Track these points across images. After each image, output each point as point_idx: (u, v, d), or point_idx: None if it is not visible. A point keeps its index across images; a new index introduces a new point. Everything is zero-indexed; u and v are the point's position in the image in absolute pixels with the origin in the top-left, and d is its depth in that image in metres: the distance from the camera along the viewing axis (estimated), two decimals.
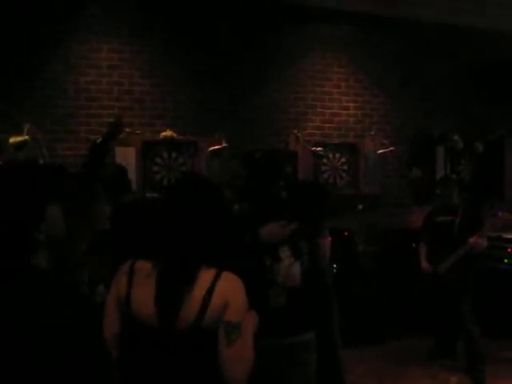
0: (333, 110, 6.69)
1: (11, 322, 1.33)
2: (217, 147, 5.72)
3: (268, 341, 2.96)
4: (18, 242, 1.43)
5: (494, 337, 5.78)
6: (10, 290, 1.38)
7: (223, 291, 1.92)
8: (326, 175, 6.53)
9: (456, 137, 7.04)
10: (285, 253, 3.00)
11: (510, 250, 6.33)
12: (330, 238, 3.87)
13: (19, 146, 5.12)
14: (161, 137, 5.70)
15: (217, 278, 1.95)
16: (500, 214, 4.91)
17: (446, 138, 7.07)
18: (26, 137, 5.15)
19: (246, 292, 1.97)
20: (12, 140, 5.11)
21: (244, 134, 6.02)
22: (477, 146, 7.34)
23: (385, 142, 6.77)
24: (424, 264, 5.42)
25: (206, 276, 1.95)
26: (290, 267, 2.99)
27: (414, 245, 5.90)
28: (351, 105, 6.79)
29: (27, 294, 1.38)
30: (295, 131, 6.30)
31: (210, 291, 1.92)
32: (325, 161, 6.51)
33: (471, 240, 4.93)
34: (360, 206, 6.61)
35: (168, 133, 5.70)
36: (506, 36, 7.35)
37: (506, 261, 6.32)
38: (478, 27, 7.18)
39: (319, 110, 6.62)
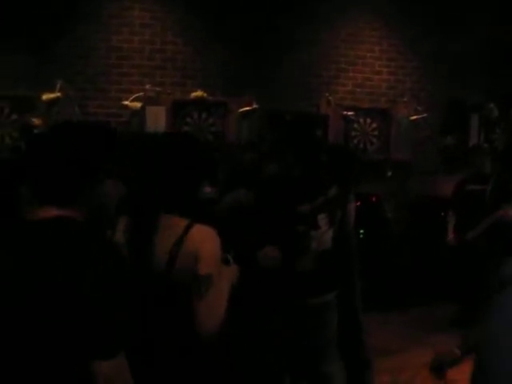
0: (365, 74, 6.58)
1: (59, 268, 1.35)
2: (247, 108, 5.69)
3: (293, 302, 3.01)
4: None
5: None
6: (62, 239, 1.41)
7: (193, 242, 1.91)
8: (356, 140, 6.46)
9: (491, 105, 6.88)
10: (322, 221, 3.02)
11: None
12: (355, 203, 3.84)
13: (51, 102, 5.18)
14: (191, 97, 5.69)
15: (188, 229, 1.93)
16: None
17: (481, 106, 6.92)
18: (59, 94, 5.20)
19: (220, 245, 1.97)
20: (45, 97, 5.17)
21: (275, 97, 5.96)
22: None
23: (418, 108, 6.65)
24: (450, 236, 5.39)
25: (177, 227, 1.94)
26: (324, 234, 3.02)
27: (442, 213, 5.85)
28: (384, 69, 6.67)
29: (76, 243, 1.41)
30: (327, 95, 6.22)
31: (178, 242, 1.91)
32: (355, 126, 6.43)
33: (501, 211, 4.87)
34: (389, 173, 6.55)
35: (199, 93, 5.68)
36: None
37: None
38: None
39: (351, 74, 6.52)
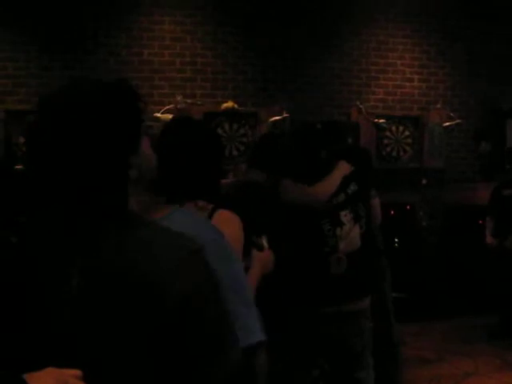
0: (396, 81, 6.52)
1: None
2: (277, 118, 5.68)
3: (329, 308, 2.96)
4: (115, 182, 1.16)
5: None
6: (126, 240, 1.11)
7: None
8: (389, 148, 6.39)
9: None
10: (346, 217, 2.97)
11: None
12: (379, 199, 3.82)
13: None
14: (222, 108, 5.72)
15: (211, 215, 1.93)
16: None
17: None
18: None
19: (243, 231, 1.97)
20: None
21: (305, 106, 5.95)
22: None
23: (451, 114, 6.55)
24: (489, 239, 5.27)
25: (201, 214, 1.93)
26: (351, 231, 2.96)
27: (480, 221, 5.73)
28: (416, 76, 6.60)
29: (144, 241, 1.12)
30: (357, 103, 6.19)
31: None
32: (388, 133, 6.36)
33: None
34: (424, 181, 6.45)
35: (229, 104, 5.71)
36: None
37: None
38: None
39: (382, 81, 6.47)
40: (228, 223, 1.94)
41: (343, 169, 3.00)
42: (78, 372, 1.01)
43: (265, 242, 2.22)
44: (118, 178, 1.14)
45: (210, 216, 1.95)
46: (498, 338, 5.32)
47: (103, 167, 1.11)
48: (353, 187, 3.01)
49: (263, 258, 2.17)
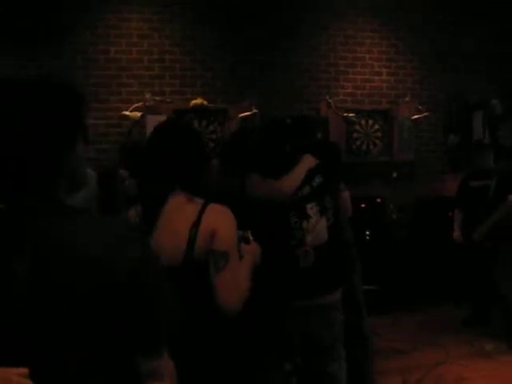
0: (365, 75, 6.56)
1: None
2: (246, 114, 5.68)
3: (298, 302, 2.97)
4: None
5: None
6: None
7: (210, 222, 1.98)
8: (358, 142, 6.44)
9: (494, 101, 6.83)
10: (312, 209, 2.96)
11: None
12: (349, 192, 3.83)
13: None
14: (191, 105, 5.70)
15: (203, 209, 2.02)
16: None
17: (484, 103, 6.87)
18: None
19: (234, 223, 2.04)
20: None
21: (274, 101, 5.96)
22: None
23: (420, 108, 6.62)
24: (456, 234, 5.34)
25: (192, 208, 2.02)
26: (317, 224, 2.95)
27: (450, 213, 5.80)
28: (384, 70, 6.65)
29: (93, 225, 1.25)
30: (327, 97, 6.21)
31: (196, 224, 1.98)
32: (357, 127, 6.40)
33: (509, 198, 4.78)
34: (394, 174, 6.51)
35: (198, 101, 5.69)
36: None
37: None
38: None
39: (351, 76, 6.51)
40: (223, 216, 2.03)
41: (308, 162, 3.00)
42: (23, 370, 1.03)
43: (250, 236, 2.28)
44: (53, 171, 1.24)
45: (203, 209, 2.01)
46: (471, 326, 5.41)
47: (37, 161, 1.21)
48: (318, 180, 2.99)
49: (252, 251, 2.24)
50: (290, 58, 6.19)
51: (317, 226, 2.95)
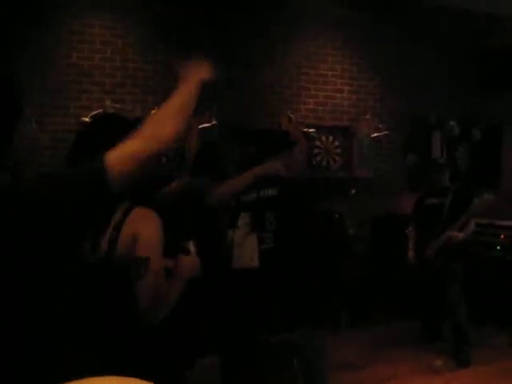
0: (327, 92, 6.63)
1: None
2: (206, 125, 5.68)
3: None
4: None
5: (481, 323, 5.77)
6: None
7: (132, 225, 1.90)
8: (319, 158, 6.49)
9: (452, 123, 6.98)
10: (244, 219, 2.72)
11: (502, 237, 6.30)
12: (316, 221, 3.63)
13: None
14: (152, 113, 5.66)
15: (127, 212, 1.93)
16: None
17: (443, 124, 7.01)
18: None
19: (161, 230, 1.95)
20: None
21: (235, 114, 5.97)
22: (474, 134, 7.28)
23: (379, 126, 6.72)
24: (410, 253, 5.40)
25: (119, 212, 1.93)
26: (245, 240, 2.67)
27: (406, 231, 5.87)
28: (346, 88, 6.73)
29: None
30: (288, 112, 6.26)
31: (118, 226, 1.89)
32: (318, 143, 6.46)
33: (446, 234, 4.94)
34: (353, 190, 6.57)
35: None
36: (506, 21, 7.28)
37: (498, 248, 6.30)
38: (478, 12, 7.12)
39: (313, 92, 6.57)
40: (144, 220, 1.93)
41: (260, 169, 2.81)
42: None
43: (192, 247, 2.20)
44: None
45: (126, 213, 1.92)
46: (422, 342, 5.47)
47: None
48: (270, 192, 2.74)
49: (187, 263, 2.15)
50: (252, 72, 6.23)
51: (245, 243, 2.66)
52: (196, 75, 1.83)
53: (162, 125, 1.60)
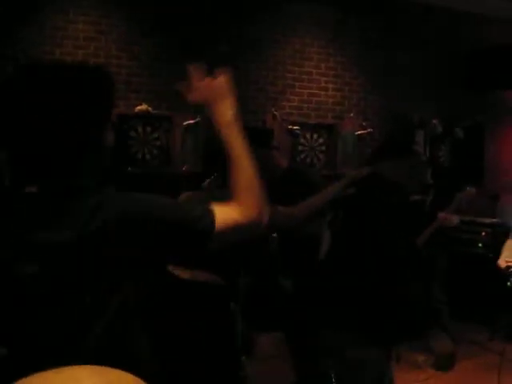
0: (312, 90, 6.66)
1: None
2: (190, 122, 5.68)
3: None
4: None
5: (464, 320, 5.83)
6: None
7: None
8: (303, 155, 6.51)
9: (435, 121, 7.04)
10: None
11: (483, 234, 6.37)
12: None
13: None
14: (136, 110, 5.66)
15: None
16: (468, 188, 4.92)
17: (425, 123, 7.07)
18: None
19: None
20: None
21: None
22: (456, 132, 7.34)
23: (363, 124, 6.76)
24: None
25: None
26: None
27: None
28: (330, 86, 6.76)
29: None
30: (272, 109, 6.27)
31: None
32: (302, 141, 6.48)
33: (440, 215, 4.93)
34: None
35: (143, 107, 5.65)
36: (486, 21, 7.35)
37: (480, 245, 6.36)
38: (459, 12, 7.18)
39: (298, 90, 6.59)
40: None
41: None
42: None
43: None
44: (79, 156, 1.42)
45: None
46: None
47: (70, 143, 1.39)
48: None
49: None
50: (237, 68, 6.21)
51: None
52: (220, 102, 1.60)
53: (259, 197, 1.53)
